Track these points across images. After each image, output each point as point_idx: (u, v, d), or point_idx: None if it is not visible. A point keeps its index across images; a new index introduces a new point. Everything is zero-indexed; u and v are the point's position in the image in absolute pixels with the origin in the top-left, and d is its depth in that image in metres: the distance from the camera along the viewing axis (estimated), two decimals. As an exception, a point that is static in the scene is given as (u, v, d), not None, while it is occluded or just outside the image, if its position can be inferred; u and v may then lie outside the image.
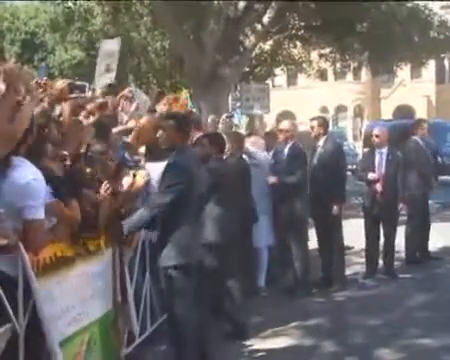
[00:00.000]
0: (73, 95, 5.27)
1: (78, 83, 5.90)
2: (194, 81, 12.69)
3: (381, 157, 7.21)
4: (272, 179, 6.43)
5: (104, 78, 6.61)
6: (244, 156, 6.24)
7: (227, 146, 5.60)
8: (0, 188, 2.81)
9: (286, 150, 6.56)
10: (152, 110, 5.98)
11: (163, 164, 4.18)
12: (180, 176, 3.97)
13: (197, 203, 4.19)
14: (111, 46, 6.78)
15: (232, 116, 9.65)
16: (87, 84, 5.92)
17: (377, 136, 7.30)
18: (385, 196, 7.11)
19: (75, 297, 3.50)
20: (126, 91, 6.02)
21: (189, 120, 4.65)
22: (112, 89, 6.12)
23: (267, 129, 13.30)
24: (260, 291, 6.48)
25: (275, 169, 6.55)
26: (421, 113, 41.04)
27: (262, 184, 6.37)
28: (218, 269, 4.92)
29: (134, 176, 4.51)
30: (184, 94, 18.18)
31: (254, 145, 6.72)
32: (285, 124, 6.83)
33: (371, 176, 7.18)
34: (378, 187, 7.13)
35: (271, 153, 6.91)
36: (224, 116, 7.23)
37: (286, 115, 43.29)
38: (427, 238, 7.87)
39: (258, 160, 6.46)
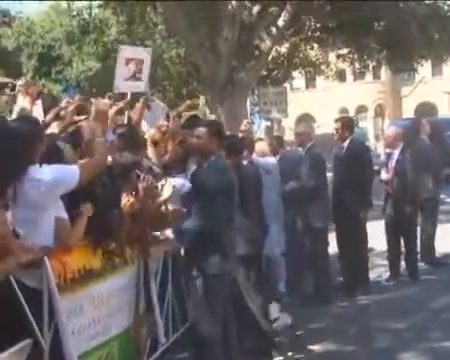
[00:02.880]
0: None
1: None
2: (211, 87, 12.77)
3: (392, 158, 7.18)
4: (291, 184, 6.39)
5: (130, 85, 6.55)
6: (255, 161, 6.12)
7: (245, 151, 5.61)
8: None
9: (303, 154, 6.56)
10: (179, 116, 5.99)
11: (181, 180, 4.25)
12: (227, 181, 4.03)
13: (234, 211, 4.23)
14: (139, 54, 6.71)
15: (253, 122, 9.64)
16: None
17: (387, 137, 7.29)
18: (397, 197, 7.09)
19: (101, 311, 3.54)
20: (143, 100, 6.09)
21: (222, 126, 4.68)
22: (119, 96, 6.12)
23: (287, 133, 13.32)
24: (282, 297, 6.48)
25: (286, 174, 6.47)
26: (443, 110, 40.63)
27: (272, 190, 6.31)
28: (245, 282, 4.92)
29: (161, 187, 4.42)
30: (201, 101, 18.39)
31: (261, 152, 6.56)
32: (301, 127, 6.86)
33: (383, 177, 7.20)
34: (390, 188, 7.12)
35: (277, 158, 6.79)
36: (245, 122, 7.20)
37: (305, 118, 43.21)
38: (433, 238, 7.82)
39: (270, 166, 6.37)
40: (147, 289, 4.14)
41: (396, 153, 7.19)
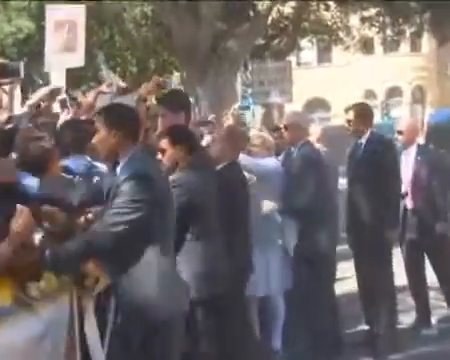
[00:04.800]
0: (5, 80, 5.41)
1: (11, 63, 6.02)
2: (188, 60, 12.86)
3: (407, 160, 7.19)
4: (267, 205, 6.35)
5: (64, 59, 6.61)
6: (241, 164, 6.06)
7: (217, 148, 5.69)
8: None
9: (294, 154, 6.56)
10: (144, 99, 6.06)
11: None
12: (143, 190, 4.05)
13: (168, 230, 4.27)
14: (70, 15, 6.74)
15: (247, 108, 9.62)
16: (22, 64, 5.89)
17: (399, 132, 7.33)
18: (418, 214, 7.15)
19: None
20: (103, 87, 6.13)
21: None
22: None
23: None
24: (275, 356, 6.47)
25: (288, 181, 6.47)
26: None
27: (272, 202, 6.37)
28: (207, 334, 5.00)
29: None
30: (175, 78, 18.45)
31: (259, 148, 6.56)
32: (292, 116, 6.91)
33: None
34: (408, 202, 7.15)
35: (281, 157, 6.84)
36: (236, 106, 7.20)
37: (317, 104, 43.43)
38: None
39: (261, 171, 6.33)
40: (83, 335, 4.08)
41: (412, 154, 7.23)
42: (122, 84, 6.65)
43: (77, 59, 6.57)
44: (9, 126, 4.89)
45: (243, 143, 6.23)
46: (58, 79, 6.73)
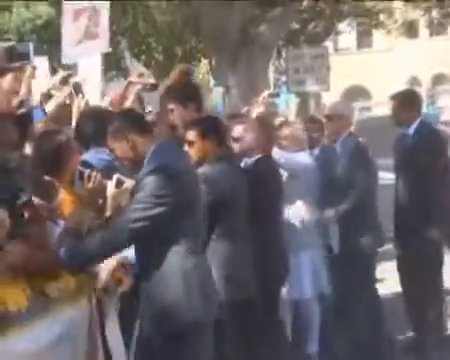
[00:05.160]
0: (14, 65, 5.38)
1: (19, 46, 6.02)
2: (217, 47, 12.84)
3: None
4: (329, 213, 6.36)
5: (85, 48, 6.62)
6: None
7: (247, 139, 5.62)
8: None
9: (338, 148, 6.52)
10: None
11: None
12: (167, 185, 4.01)
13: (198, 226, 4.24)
14: (92, 3, 6.78)
15: (277, 95, 9.57)
16: (31, 46, 5.92)
17: (444, 123, 7.20)
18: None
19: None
20: (134, 77, 6.14)
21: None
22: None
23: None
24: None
25: (323, 179, 6.40)
26: None
27: (304, 202, 6.32)
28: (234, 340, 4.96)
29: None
30: (203, 66, 18.44)
31: (288, 140, 6.47)
32: (335, 106, 6.87)
33: None
34: None
35: (316, 152, 6.81)
36: (265, 94, 7.12)
37: (356, 92, 43.23)
38: None
39: (294, 166, 6.29)
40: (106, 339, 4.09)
41: None
42: (151, 81, 6.63)
43: (101, 45, 6.57)
44: (22, 111, 4.85)
45: (275, 134, 6.19)
46: (87, 69, 6.77)
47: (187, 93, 5.60)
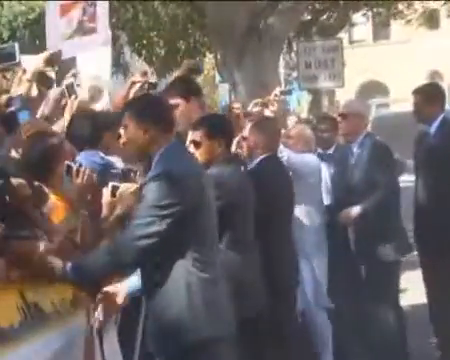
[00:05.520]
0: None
1: (6, 46, 6.02)
2: (223, 40, 12.83)
3: None
4: (355, 211, 6.34)
5: (78, 44, 6.61)
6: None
7: (253, 138, 5.66)
8: None
9: (355, 149, 6.51)
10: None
11: None
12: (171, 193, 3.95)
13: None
14: None
15: (289, 92, 9.54)
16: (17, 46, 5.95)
17: None
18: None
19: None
20: (137, 76, 6.11)
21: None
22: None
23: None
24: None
25: (340, 181, 6.49)
26: None
27: (308, 206, 6.36)
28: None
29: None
30: (208, 61, 18.39)
31: (295, 140, 6.53)
32: (352, 103, 6.86)
33: None
34: None
35: (331, 151, 6.92)
36: (277, 91, 7.13)
37: (373, 88, 43.18)
38: None
39: (300, 167, 6.30)
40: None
41: None
42: (152, 80, 6.66)
43: (100, 40, 6.57)
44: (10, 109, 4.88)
45: (278, 136, 6.17)
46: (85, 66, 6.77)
47: (190, 88, 5.66)
